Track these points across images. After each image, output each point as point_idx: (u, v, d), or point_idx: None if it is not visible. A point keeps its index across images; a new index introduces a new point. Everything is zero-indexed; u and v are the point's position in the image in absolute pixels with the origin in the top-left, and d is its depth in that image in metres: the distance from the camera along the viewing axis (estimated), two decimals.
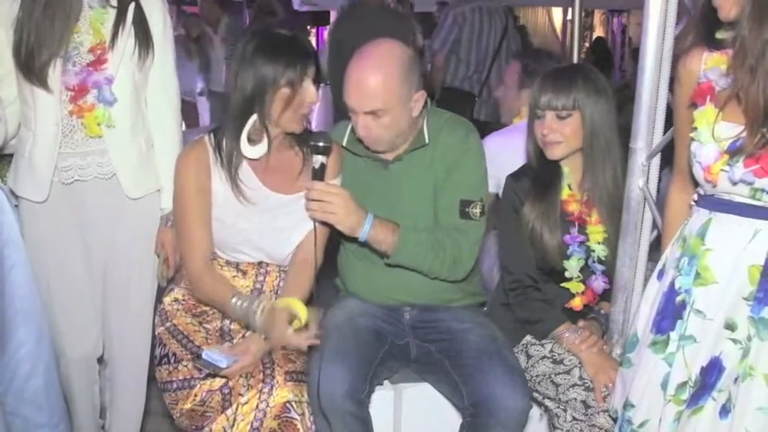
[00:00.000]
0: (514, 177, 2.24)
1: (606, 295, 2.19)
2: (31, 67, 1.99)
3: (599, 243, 2.14)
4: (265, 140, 2.02)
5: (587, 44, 11.34)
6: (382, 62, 2.01)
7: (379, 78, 1.98)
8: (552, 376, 2.08)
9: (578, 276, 2.15)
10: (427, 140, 2.12)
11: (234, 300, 1.98)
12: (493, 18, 4.91)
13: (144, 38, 2.11)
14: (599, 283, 2.17)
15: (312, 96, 2.01)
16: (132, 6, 2.09)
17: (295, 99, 1.98)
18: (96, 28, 2.05)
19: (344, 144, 2.17)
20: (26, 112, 2.08)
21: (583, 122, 2.08)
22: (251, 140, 2.01)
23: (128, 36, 2.08)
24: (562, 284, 2.16)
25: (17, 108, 2.10)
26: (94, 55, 2.05)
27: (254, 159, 2.04)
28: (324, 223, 2.02)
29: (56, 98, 2.03)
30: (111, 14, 2.07)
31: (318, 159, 1.96)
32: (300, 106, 2.00)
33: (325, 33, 6.04)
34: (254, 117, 1.98)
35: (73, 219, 2.13)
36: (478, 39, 4.86)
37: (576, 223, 2.15)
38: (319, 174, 1.96)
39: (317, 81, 2.02)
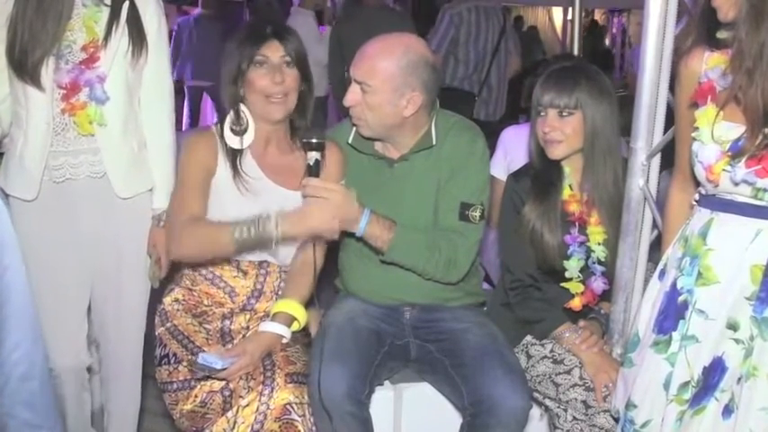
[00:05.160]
0: (515, 177, 2.24)
1: (606, 295, 2.19)
2: (24, 65, 1.98)
3: (599, 244, 2.14)
4: (250, 130, 2.07)
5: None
6: (393, 46, 2.04)
7: (382, 56, 2.02)
8: (552, 376, 2.08)
9: (578, 277, 2.15)
10: (434, 142, 2.12)
11: (236, 233, 1.91)
12: (490, 18, 4.90)
13: (138, 37, 2.10)
14: (598, 284, 2.17)
15: (271, 76, 2.02)
16: (126, 5, 2.08)
17: (253, 82, 2.03)
18: (89, 26, 2.04)
19: (350, 141, 2.17)
20: (18, 110, 2.07)
21: (584, 123, 2.08)
22: (234, 131, 2.07)
23: (121, 35, 2.07)
24: (562, 284, 2.16)
25: (8, 106, 2.09)
26: (87, 53, 2.04)
27: (246, 147, 2.08)
28: None
29: (48, 96, 2.02)
30: (105, 13, 2.06)
31: (313, 156, 1.97)
32: (261, 90, 2.03)
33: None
34: (232, 110, 2.06)
35: (62, 218, 2.11)
36: (476, 38, 4.85)
37: (577, 224, 2.14)
38: (314, 170, 1.97)
39: (290, 63, 2.05)
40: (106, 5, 2.07)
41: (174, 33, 6.60)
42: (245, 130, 2.07)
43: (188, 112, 6.61)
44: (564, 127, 2.09)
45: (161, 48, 2.18)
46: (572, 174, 2.17)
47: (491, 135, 3.17)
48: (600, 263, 2.15)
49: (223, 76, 2.06)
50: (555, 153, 2.12)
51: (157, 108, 2.21)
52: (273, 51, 2.04)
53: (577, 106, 2.07)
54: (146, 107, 2.19)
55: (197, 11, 6.72)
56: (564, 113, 2.08)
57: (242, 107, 2.07)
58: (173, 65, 6.48)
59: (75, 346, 2.20)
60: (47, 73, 2.00)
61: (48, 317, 2.09)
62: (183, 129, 6.89)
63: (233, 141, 2.07)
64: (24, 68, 1.99)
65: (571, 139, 2.10)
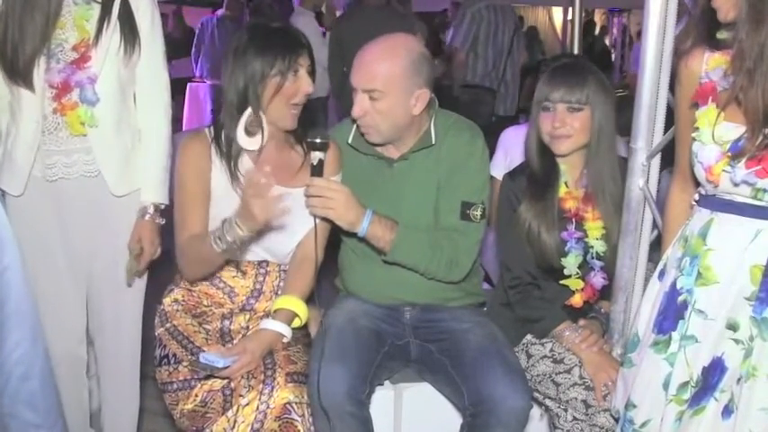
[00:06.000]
0: (511, 176, 2.25)
1: (606, 293, 2.19)
2: (15, 64, 1.97)
3: (597, 239, 2.15)
4: (265, 132, 2.05)
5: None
6: (391, 47, 2.04)
7: (384, 60, 2.01)
8: (553, 375, 2.08)
9: (577, 273, 2.16)
10: (434, 141, 2.12)
11: (215, 246, 1.90)
12: (505, 16, 5.05)
13: (130, 33, 2.08)
14: (598, 279, 2.17)
15: (305, 86, 2.03)
16: (118, 1, 2.06)
17: (284, 89, 2.01)
18: (80, 25, 2.02)
19: (349, 141, 2.17)
20: (13, 106, 2.06)
21: (592, 118, 2.10)
22: (248, 132, 2.04)
23: (113, 32, 2.05)
24: (561, 281, 2.17)
25: (6, 104, 2.08)
26: (78, 52, 2.02)
27: (251, 150, 2.05)
28: (325, 219, 2.03)
29: (39, 96, 2.00)
30: (96, 10, 2.04)
31: (316, 156, 1.97)
32: (291, 97, 2.02)
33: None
34: (249, 110, 2.01)
35: (57, 216, 2.10)
36: (494, 36, 4.98)
37: (574, 220, 2.15)
38: (318, 170, 1.97)
39: (312, 73, 2.05)
40: (97, 2, 2.05)
41: (197, 31, 6.89)
42: (259, 132, 2.05)
43: (210, 108, 6.83)
44: (573, 122, 2.10)
45: (155, 42, 2.16)
46: (568, 171, 2.18)
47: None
48: (599, 258, 2.16)
49: (244, 74, 2.00)
50: (562, 148, 2.13)
51: (153, 103, 2.19)
52: (305, 61, 2.04)
53: (587, 102, 2.09)
54: (141, 103, 2.18)
55: (220, 11, 6.93)
56: (574, 107, 2.09)
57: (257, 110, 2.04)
58: (194, 62, 6.75)
59: (73, 335, 2.20)
60: (38, 72, 1.99)
61: (46, 307, 2.08)
62: (188, 119, 7.05)
63: (246, 143, 2.04)
64: (16, 68, 1.97)
65: (579, 134, 2.11)
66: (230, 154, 2.05)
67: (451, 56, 5.17)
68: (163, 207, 2.19)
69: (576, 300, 2.17)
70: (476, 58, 4.97)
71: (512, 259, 2.22)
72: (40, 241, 2.11)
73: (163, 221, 2.19)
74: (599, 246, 2.15)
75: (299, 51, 2.02)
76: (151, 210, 2.17)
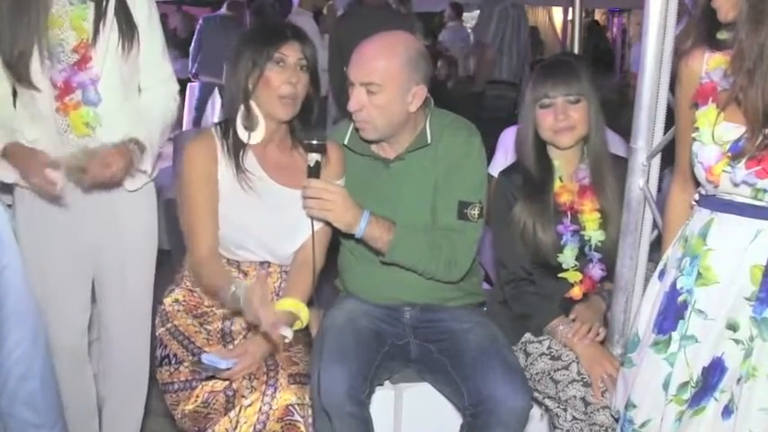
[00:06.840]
0: (506, 174, 2.26)
1: (609, 276, 2.19)
2: (12, 62, 1.97)
3: (594, 230, 2.16)
4: (261, 126, 2.06)
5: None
6: (390, 43, 2.05)
7: (382, 54, 2.02)
8: (551, 373, 2.08)
9: (575, 265, 2.16)
10: (430, 140, 2.12)
11: (233, 288, 1.92)
12: (522, 14, 5.21)
13: (128, 28, 2.09)
14: (596, 271, 2.18)
15: (291, 77, 2.01)
16: None
17: (267, 80, 2.01)
18: (78, 25, 2.02)
19: (346, 142, 2.17)
20: (29, 107, 2.06)
21: (589, 109, 2.13)
22: (245, 127, 2.06)
23: (110, 30, 2.05)
24: (559, 275, 2.17)
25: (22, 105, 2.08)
26: (79, 54, 2.03)
27: (252, 144, 2.06)
28: (322, 221, 2.03)
29: (44, 96, 2.01)
30: (92, 9, 2.04)
31: (313, 157, 1.97)
32: (277, 88, 2.01)
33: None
34: (243, 105, 2.04)
35: (62, 212, 2.10)
36: (518, 34, 5.10)
37: (569, 213, 2.16)
38: (315, 171, 1.97)
39: (306, 68, 2.04)
40: (91, 0, 2.04)
41: (197, 28, 6.99)
42: (256, 126, 2.06)
43: (196, 103, 6.93)
44: (574, 113, 2.13)
45: (153, 33, 2.16)
46: (562, 166, 2.20)
47: None
48: (597, 249, 2.17)
49: (235, 70, 2.03)
50: (565, 141, 2.15)
51: (157, 92, 2.20)
52: (292, 52, 2.03)
53: (583, 93, 2.12)
54: (145, 94, 2.19)
55: (222, 11, 7.01)
56: (572, 99, 2.12)
57: (252, 103, 2.05)
58: (192, 59, 6.85)
59: (75, 329, 2.21)
60: (38, 72, 1.98)
61: (49, 302, 2.09)
62: (188, 120, 7.10)
63: (245, 137, 2.06)
64: (15, 66, 1.97)
65: (579, 125, 2.14)
66: (237, 150, 2.06)
67: (481, 52, 5.28)
68: (143, 168, 2.13)
69: (576, 292, 2.18)
70: (501, 55, 5.08)
71: (507, 255, 2.23)
72: (46, 236, 2.11)
73: (139, 153, 2.09)
74: (597, 237, 2.15)
75: (279, 43, 2.02)
76: (132, 144, 2.07)
